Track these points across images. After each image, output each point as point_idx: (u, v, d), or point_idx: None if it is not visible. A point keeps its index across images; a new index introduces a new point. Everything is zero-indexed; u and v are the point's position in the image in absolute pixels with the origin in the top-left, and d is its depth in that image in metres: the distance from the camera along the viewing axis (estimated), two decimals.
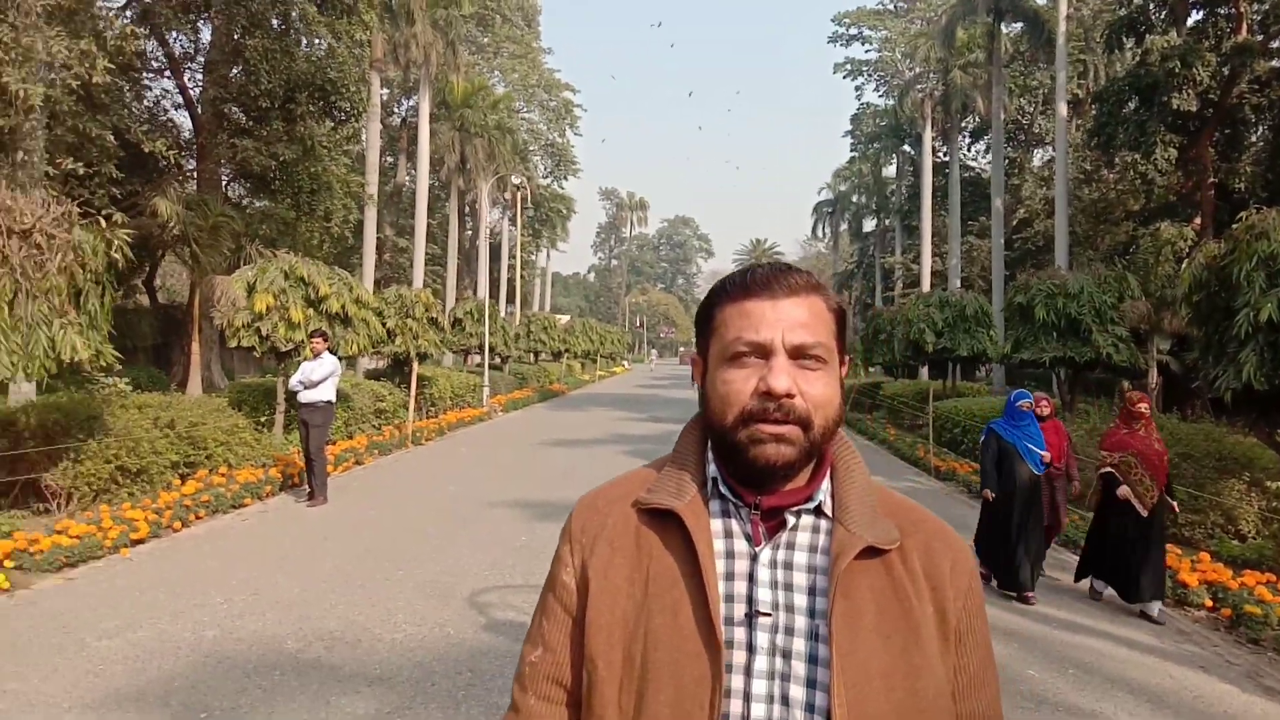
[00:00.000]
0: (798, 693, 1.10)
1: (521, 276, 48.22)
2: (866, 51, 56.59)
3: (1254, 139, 25.54)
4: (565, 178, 57.79)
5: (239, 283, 13.22)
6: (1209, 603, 7.33)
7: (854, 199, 60.77)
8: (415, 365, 17.95)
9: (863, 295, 58.85)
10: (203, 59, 22.23)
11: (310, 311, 13.19)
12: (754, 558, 1.16)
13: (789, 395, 1.11)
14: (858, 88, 75.19)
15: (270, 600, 6.42)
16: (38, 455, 8.85)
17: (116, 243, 8.74)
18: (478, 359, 27.36)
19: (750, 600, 1.13)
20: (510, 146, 40.63)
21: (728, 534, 1.18)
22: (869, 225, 60.20)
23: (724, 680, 1.10)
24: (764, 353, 1.14)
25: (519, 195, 34.48)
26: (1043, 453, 7.41)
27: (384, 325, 17.02)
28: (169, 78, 22.75)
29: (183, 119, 23.69)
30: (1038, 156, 41.91)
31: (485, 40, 48.91)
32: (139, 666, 5.06)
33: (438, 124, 37.09)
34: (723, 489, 1.19)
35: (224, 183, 22.93)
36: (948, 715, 1.14)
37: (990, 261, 33.51)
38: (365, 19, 23.00)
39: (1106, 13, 31.17)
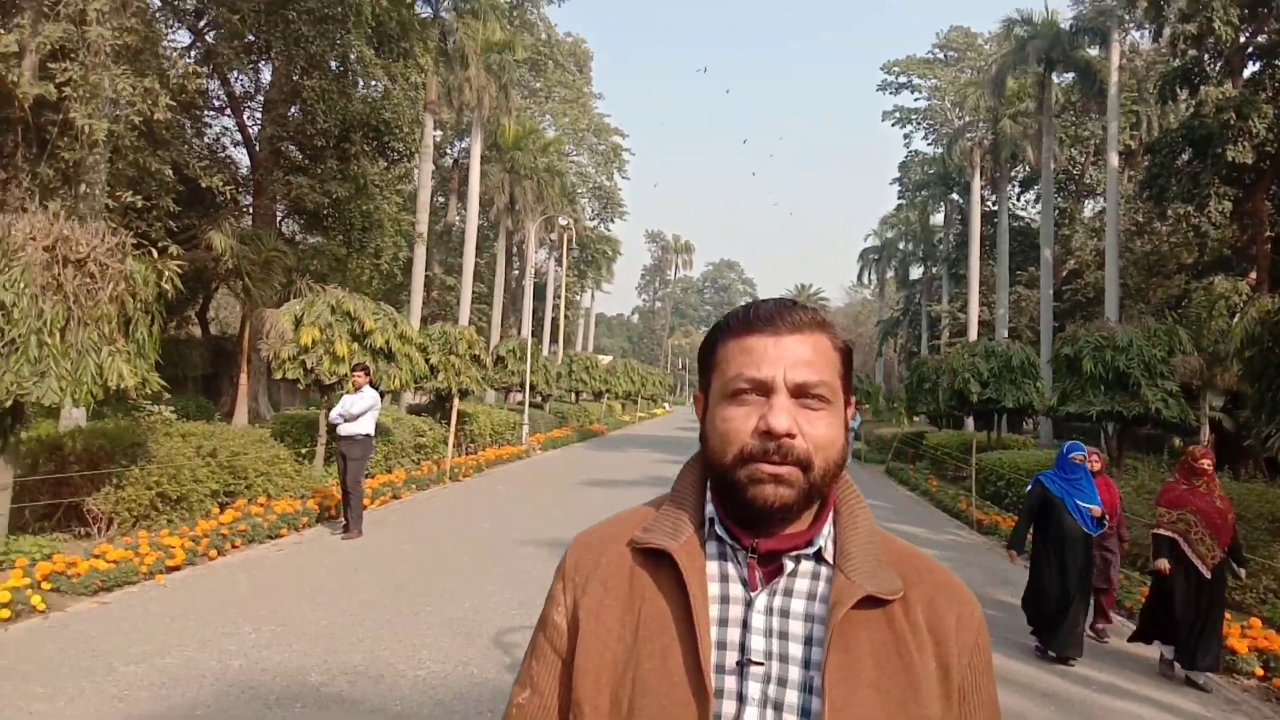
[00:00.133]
0: None
1: (566, 316, 48.56)
2: (915, 100, 56.59)
3: None
4: (612, 220, 58.34)
5: (286, 316, 13.46)
6: (1259, 671, 7.05)
7: (901, 246, 60.48)
8: (456, 401, 18.06)
9: (908, 343, 58.33)
10: (262, 98, 22.87)
11: (355, 346, 13.37)
12: (749, 603, 1.11)
13: (789, 435, 1.08)
14: (906, 135, 75.08)
15: (298, 631, 6.43)
16: (81, 480, 9.01)
17: (167, 274, 8.94)
18: (519, 397, 27.47)
19: (743, 648, 1.09)
20: (559, 189, 41.11)
21: (724, 577, 1.14)
22: (916, 273, 59.78)
23: None
24: (765, 390, 1.10)
25: (565, 236, 34.81)
26: (1093, 507, 7.00)
27: (427, 361, 17.20)
28: (229, 116, 23.40)
29: (241, 156, 24.33)
30: (1088, 207, 41.50)
31: (538, 85, 49.74)
32: (164, 693, 5.08)
33: (488, 165, 37.69)
34: (720, 530, 1.15)
35: (278, 218, 23.42)
36: None
37: (1039, 312, 33.07)
38: (421, 62, 23.59)
39: (1160, 64, 30.95)
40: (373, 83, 22.16)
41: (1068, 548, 6.90)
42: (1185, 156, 24.65)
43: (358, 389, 10.64)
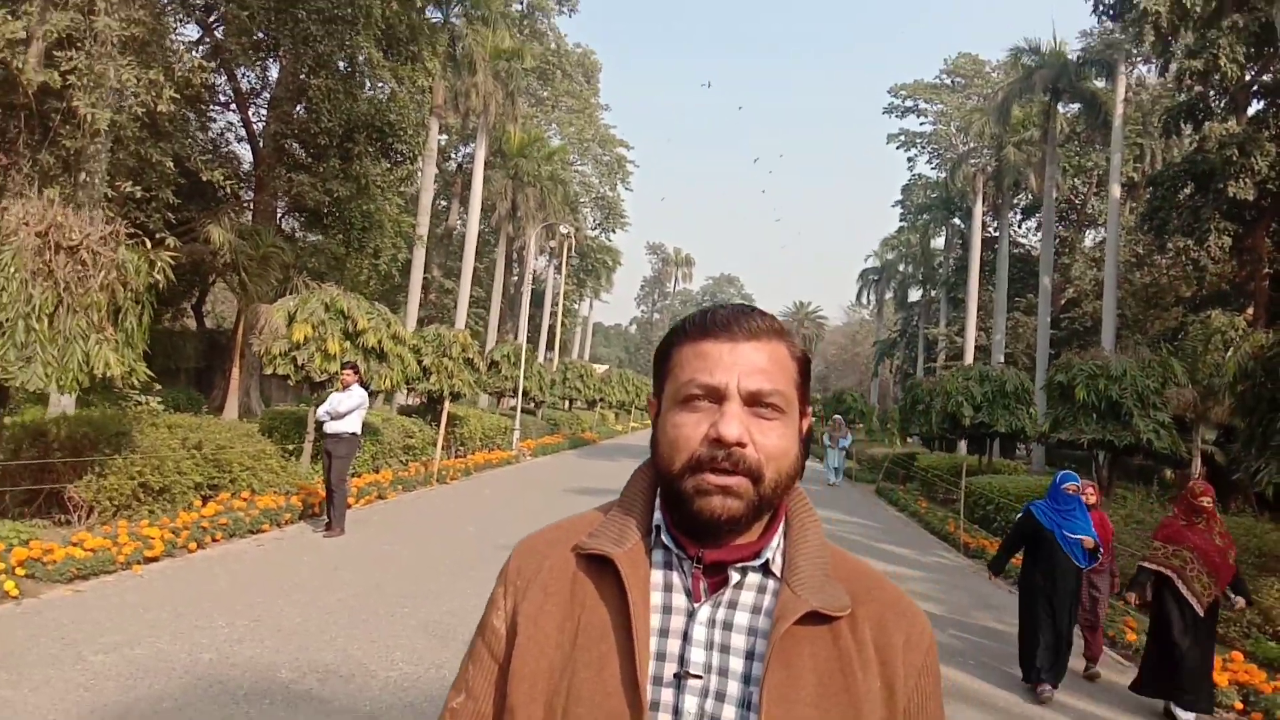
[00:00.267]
0: None
1: (563, 324, 48.57)
2: (921, 124, 56.82)
3: None
4: (613, 230, 58.41)
5: (280, 311, 13.42)
6: (1239, 705, 7.00)
7: (901, 268, 60.58)
8: (447, 404, 18.02)
9: (905, 365, 58.36)
10: (268, 95, 22.90)
11: (347, 344, 13.32)
12: (691, 614, 1.08)
13: (740, 444, 1.05)
14: (910, 159, 75.28)
15: (271, 628, 6.38)
16: (64, 467, 8.97)
17: (159, 264, 8.91)
18: (512, 402, 27.44)
19: (682, 660, 1.06)
20: (561, 197, 41.18)
21: (668, 587, 1.11)
22: (914, 295, 59.84)
23: None
24: (718, 397, 1.07)
25: (566, 244, 34.85)
26: (1085, 539, 6.76)
27: (420, 363, 17.16)
28: (234, 111, 23.42)
29: (244, 151, 24.34)
30: (1089, 237, 41.63)
31: (545, 93, 49.89)
32: (130, 684, 5.03)
33: (492, 171, 37.76)
34: (665, 539, 1.12)
35: (278, 215, 23.42)
36: None
37: (1035, 339, 33.11)
38: (429, 66, 23.62)
39: (1166, 98, 31.07)
40: (379, 84, 22.20)
41: (1058, 579, 6.70)
42: (1187, 190, 24.73)
43: (346, 387, 10.61)
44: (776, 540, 1.13)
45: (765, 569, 1.11)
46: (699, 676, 1.05)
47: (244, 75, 22.86)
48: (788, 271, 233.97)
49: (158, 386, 19.26)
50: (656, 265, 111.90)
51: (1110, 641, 8.53)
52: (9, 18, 12.81)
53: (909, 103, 55.80)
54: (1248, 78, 23.75)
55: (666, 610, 1.09)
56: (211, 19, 21.05)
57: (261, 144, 22.24)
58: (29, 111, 14.65)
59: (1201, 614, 6.45)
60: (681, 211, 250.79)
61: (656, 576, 1.12)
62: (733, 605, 1.09)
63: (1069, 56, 31.81)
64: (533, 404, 31.26)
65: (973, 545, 13.81)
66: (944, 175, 47.65)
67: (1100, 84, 31.50)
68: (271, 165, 21.33)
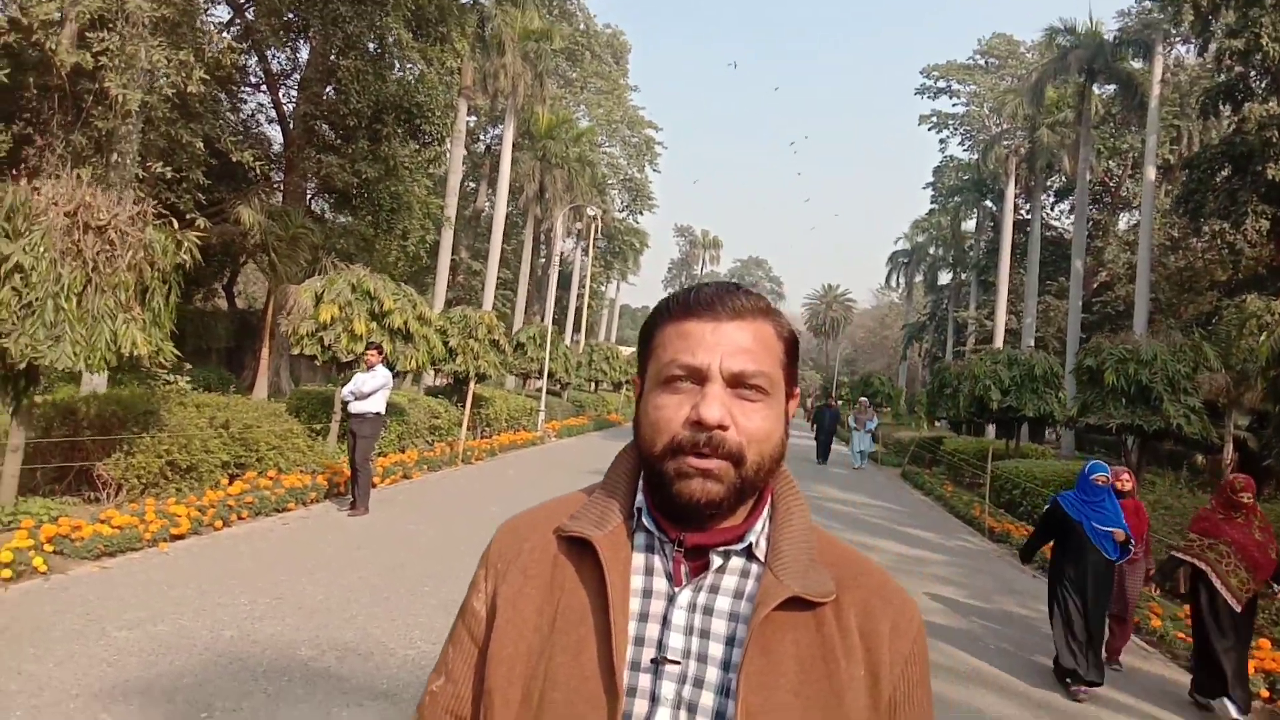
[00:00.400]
0: None
1: (590, 306, 48.56)
2: (953, 105, 56.09)
3: None
4: (641, 212, 58.24)
5: (307, 292, 13.53)
6: (1265, 693, 6.89)
7: (931, 251, 60.01)
8: (472, 385, 18.09)
9: (933, 348, 57.93)
10: (299, 76, 23.00)
11: (373, 325, 13.41)
12: (671, 599, 1.07)
13: (721, 427, 1.03)
14: (942, 140, 74.50)
15: (293, 605, 6.45)
16: (93, 445, 9.10)
17: (186, 244, 8.99)
18: (538, 383, 27.51)
19: (660, 645, 1.05)
20: (589, 179, 41.09)
21: (649, 571, 1.10)
22: (944, 278, 59.26)
23: None
24: (700, 378, 1.06)
25: (593, 226, 34.81)
26: (1115, 530, 6.45)
27: (446, 344, 17.24)
28: (265, 92, 23.55)
29: (274, 133, 24.50)
30: (1123, 220, 41.00)
31: (574, 74, 49.73)
32: (152, 660, 5.11)
33: (520, 153, 37.73)
34: (646, 521, 1.11)
35: (308, 196, 23.56)
36: None
37: (1066, 323, 32.71)
38: (457, 47, 23.60)
39: (1204, 79, 30.45)
40: (408, 65, 22.21)
41: (1088, 573, 6.44)
42: (1224, 173, 24.27)
43: (370, 368, 10.67)
44: (761, 524, 1.11)
45: (749, 553, 1.09)
46: (676, 662, 1.04)
47: (274, 56, 22.96)
48: (816, 254, 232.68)
49: (188, 366, 19.54)
50: (684, 247, 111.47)
51: (1134, 628, 8.44)
52: None
53: (941, 84, 55.08)
54: None
55: (647, 594, 1.08)
56: (243, 0, 21.14)
57: (291, 125, 22.34)
58: (62, 93, 14.81)
59: (1239, 609, 6.25)
60: (710, 194, 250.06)
61: (638, 560, 1.10)
62: (714, 589, 1.08)
63: (1105, 37, 31.27)
64: (558, 385, 31.33)
65: (998, 530, 13.72)
66: (976, 157, 47.09)
67: (1137, 65, 30.93)
68: (301, 146, 21.45)
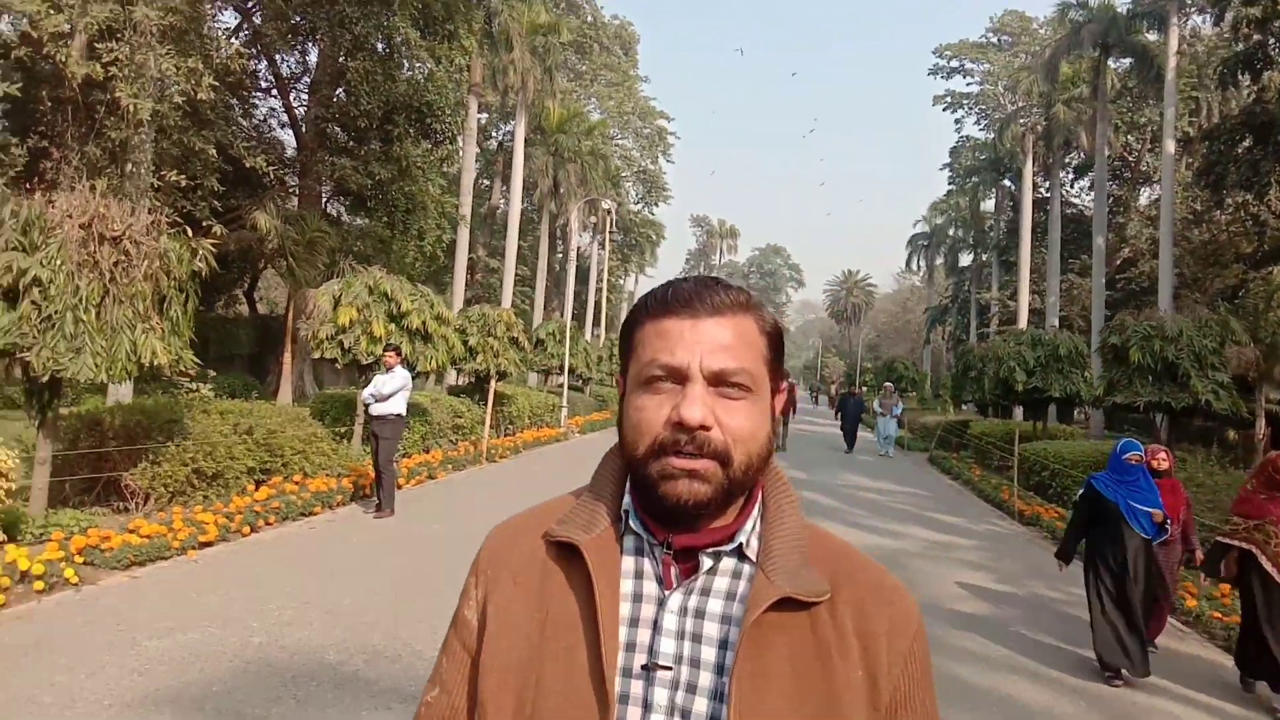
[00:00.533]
0: None
1: (608, 300, 48.55)
2: (967, 85, 55.55)
3: None
4: (656, 204, 58.13)
5: (325, 295, 13.56)
6: None
7: (950, 233, 59.51)
8: (494, 383, 18.11)
9: (957, 330, 57.50)
10: (309, 79, 23.07)
11: (392, 326, 13.42)
12: (662, 603, 1.03)
13: (704, 427, 1.00)
14: (957, 121, 73.92)
15: (320, 610, 6.46)
16: (119, 455, 9.15)
17: (201, 252, 9.01)
18: (560, 379, 27.52)
19: (652, 650, 1.01)
20: (603, 172, 41.03)
21: (638, 574, 1.06)
22: (965, 260, 58.79)
23: None
24: (680, 378, 1.02)
25: (608, 220, 34.77)
26: (1155, 511, 6.25)
27: (465, 343, 17.25)
28: (276, 97, 23.65)
29: (287, 137, 24.60)
30: (1144, 195, 40.51)
31: (583, 67, 49.66)
32: (182, 669, 5.12)
33: (532, 148, 37.71)
34: (634, 524, 1.08)
35: (324, 200, 23.65)
36: None
37: (1091, 301, 32.36)
38: (465, 44, 23.56)
39: (1222, 48, 29.99)
40: (417, 65, 22.21)
41: (1128, 556, 6.22)
42: (1246, 143, 23.88)
43: (389, 369, 10.68)
44: (751, 523, 1.08)
45: (740, 553, 1.06)
46: (668, 668, 1.01)
47: (283, 60, 23.08)
48: (836, 240, 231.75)
49: (211, 373, 19.67)
50: (701, 238, 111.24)
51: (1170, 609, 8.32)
52: (52, 11, 13.02)
53: (954, 63, 54.58)
54: None
55: (637, 598, 1.05)
56: (250, 4, 21.22)
57: (303, 129, 22.44)
58: (75, 105, 14.92)
59: None
60: (726, 184, 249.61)
61: (627, 563, 1.07)
62: (706, 592, 1.05)
63: (1118, 9, 30.82)
64: (580, 381, 31.33)
65: (1027, 513, 13.58)
66: (992, 136, 46.62)
67: (1152, 37, 30.49)
68: (314, 150, 21.53)
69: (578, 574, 1.06)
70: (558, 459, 18.33)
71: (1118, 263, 35.85)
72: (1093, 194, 35.20)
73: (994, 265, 50.72)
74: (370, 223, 23.67)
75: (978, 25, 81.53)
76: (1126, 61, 32.77)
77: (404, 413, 10.79)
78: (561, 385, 26.75)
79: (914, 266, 70.30)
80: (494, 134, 44.08)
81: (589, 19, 47.53)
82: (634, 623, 1.04)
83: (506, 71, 31.58)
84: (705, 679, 1.00)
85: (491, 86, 32.23)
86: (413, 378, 12.92)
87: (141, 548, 7.46)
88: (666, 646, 1.01)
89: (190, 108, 15.23)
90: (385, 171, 20.85)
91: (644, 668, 1.01)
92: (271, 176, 19.01)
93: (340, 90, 21.59)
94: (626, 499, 1.10)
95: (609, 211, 34.06)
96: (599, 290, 49.23)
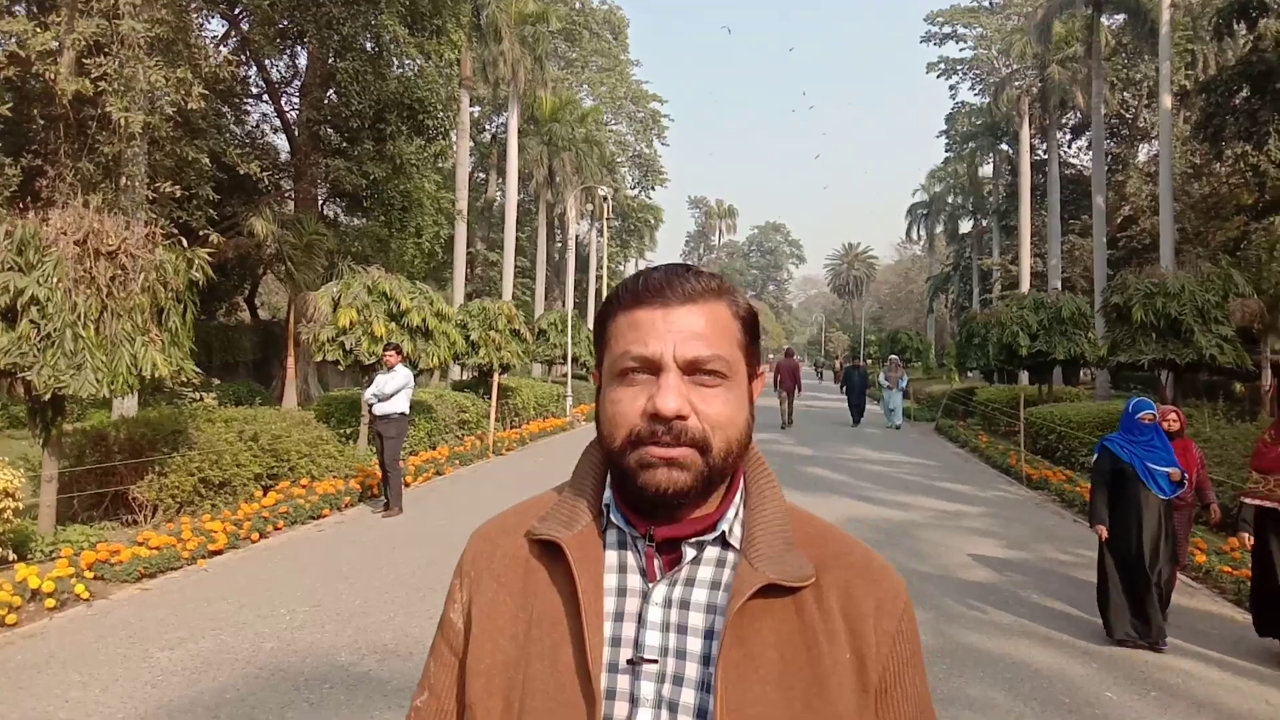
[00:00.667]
0: None
1: (610, 286, 48.41)
2: (961, 50, 55.12)
3: None
4: (653, 188, 57.94)
5: (324, 298, 13.59)
6: None
7: (949, 200, 59.27)
8: (497, 376, 18.15)
9: (959, 298, 57.32)
10: (299, 83, 23.03)
11: (392, 325, 13.45)
12: (645, 595, 1.03)
13: (680, 416, 0.99)
14: (952, 87, 73.59)
15: (331, 612, 6.50)
16: (125, 469, 9.20)
17: (198, 262, 9.03)
18: (564, 369, 27.55)
19: (637, 644, 1.01)
20: (598, 159, 40.92)
21: (622, 568, 1.06)
22: (965, 226, 58.54)
23: None
24: (654, 368, 1.01)
25: (605, 206, 34.70)
26: (1171, 470, 6.14)
27: (467, 338, 17.28)
28: (267, 102, 23.62)
29: (280, 141, 24.58)
30: (1143, 152, 40.21)
31: (573, 55, 49.42)
32: (195, 678, 5.17)
33: (526, 139, 37.60)
34: (615, 517, 1.07)
35: (320, 202, 23.65)
36: None
37: (1093, 261, 32.22)
38: (454, 38, 23.50)
39: None
40: (407, 62, 22.15)
41: (1145, 517, 6.09)
42: (1243, 94, 23.67)
43: (390, 368, 10.71)
44: (734, 510, 1.07)
45: (724, 541, 1.06)
46: (653, 661, 1.00)
47: (273, 65, 23.01)
48: (835, 214, 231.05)
49: (216, 382, 19.74)
50: (700, 219, 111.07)
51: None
52: (38, 30, 13.01)
53: (947, 29, 54.15)
54: None
55: (621, 592, 1.05)
56: (236, 11, 21.16)
57: (296, 132, 22.41)
58: (67, 121, 14.91)
59: None
60: (725, 164, 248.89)
61: (611, 558, 1.07)
62: (690, 582, 1.04)
63: None
64: (584, 369, 31.35)
65: (1035, 477, 13.58)
66: (987, 101, 46.36)
67: None
68: (307, 153, 21.52)
69: (560, 572, 1.06)
70: (564, 448, 18.37)
71: (1118, 221, 35.63)
72: (1091, 153, 34.96)
73: (994, 230, 50.52)
74: (367, 223, 23.68)
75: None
76: (1120, 18, 32.54)
77: (408, 411, 10.83)
78: (565, 375, 26.78)
79: (914, 236, 70.04)
80: (487, 127, 43.96)
81: (577, 5, 47.29)
82: (619, 617, 1.03)
83: (497, 63, 31.49)
84: (692, 670, 1.00)
85: (482, 79, 32.15)
86: (415, 375, 12.94)
87: (151, 559, 7.50)
88: (651, 639, 1.01)
89: (182, 118, 15.21)
90: (380, 170, 20.83)
91: (629, 662, 1.01)
92: (266, 182, 19.03)
93: (331, 92, 21.54)
94: (607, 493, 1.10)
95: (605, 198, 33.96)
96: (599, 278, 49.18)
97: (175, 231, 9.79)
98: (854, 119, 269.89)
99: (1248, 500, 6.21)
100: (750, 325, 1.10)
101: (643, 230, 57.50)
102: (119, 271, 8.27)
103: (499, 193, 40.79)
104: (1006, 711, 5.05)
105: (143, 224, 9.08)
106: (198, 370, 8.85)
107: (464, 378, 24.06)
